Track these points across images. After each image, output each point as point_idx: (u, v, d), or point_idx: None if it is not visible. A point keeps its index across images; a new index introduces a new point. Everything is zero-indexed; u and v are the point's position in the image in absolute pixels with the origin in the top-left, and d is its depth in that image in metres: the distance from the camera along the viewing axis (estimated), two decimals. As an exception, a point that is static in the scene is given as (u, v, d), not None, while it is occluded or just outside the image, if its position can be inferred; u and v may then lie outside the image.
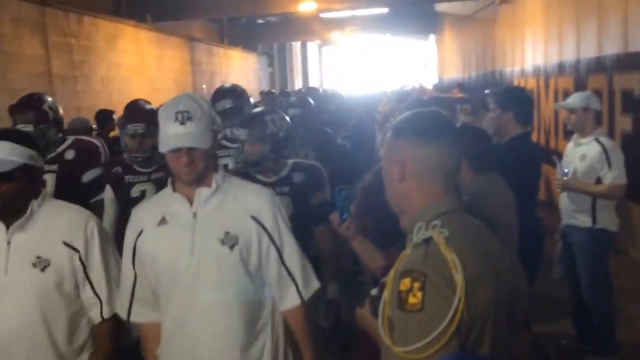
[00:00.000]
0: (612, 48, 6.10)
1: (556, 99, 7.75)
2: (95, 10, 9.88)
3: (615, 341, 3.81)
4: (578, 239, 3.78)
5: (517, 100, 3.40)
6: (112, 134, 6.26)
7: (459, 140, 1.51)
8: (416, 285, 1.31)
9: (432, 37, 23.10)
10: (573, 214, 3.80)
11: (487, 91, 3.53)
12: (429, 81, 21.20)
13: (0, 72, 7.00)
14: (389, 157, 1.52)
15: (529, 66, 9.37)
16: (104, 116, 6.34)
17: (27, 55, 7.59)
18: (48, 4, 8.08)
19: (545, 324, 4.36)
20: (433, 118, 1.51)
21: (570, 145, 3.95)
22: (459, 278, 1.31)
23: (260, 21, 20.66)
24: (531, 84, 9.15)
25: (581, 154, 3.72)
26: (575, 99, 3.80)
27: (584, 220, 3.73)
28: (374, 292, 1.63)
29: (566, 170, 3.76)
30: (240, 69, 18.68)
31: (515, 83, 9.88)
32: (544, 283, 4.08)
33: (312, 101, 5.16)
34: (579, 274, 3.81)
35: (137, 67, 11.01)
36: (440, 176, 1.47)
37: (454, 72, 17.56)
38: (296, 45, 27.72)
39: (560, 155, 4.13)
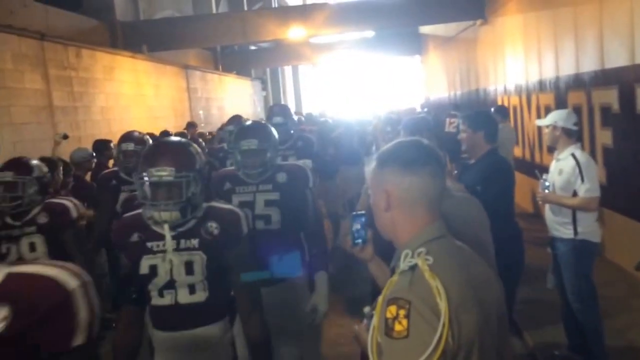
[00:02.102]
0: (589, 65, 6.16)
1: (538, 115, 7.79)
2: (93, 43, 9.93)
3: (604, 350, 3.79)
4: (562, 250, 3.83)
5: (486, 121, 3.65)
6: (111, 162, 6.26)
7: (442, 168, 1.52)
8: (402, 312, 1.32)
9: (417, 58, 23.29)
10: (556, 225, 3.86)
11: (452, 112, 3.79)
12: (417, 100, 21.33)
13: (3, 107, 7.00)
14: (375, 187, 1.53)
15: (511, 84, 9.44)
16: (101, 146, 6.38)
17: (29, 89, 7.61)
18: (47, 39, 8.12)
19: (539, 333, 4.35)
20: (416, 148, 1.52)
21: (553, 160, 4.05)
22: (442, 305, 1.31)
23: (253, 47, 20.81)
24: (514, 101, 9.22)
25: (559, 169, 3.83)
26: (547, 118, 3.97)
27: (566, 232, 3.79)
28: (367, 309, 1.63)
29: (547, 184, 3.87)
30: (235, 94, 18.76)
31: (499, 101, 9.94)
32: (539, 292, 4.08)
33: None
34: (565, 285, 3.85)
35: (135, 96, 11.04)
36: (424, 204, 1.47)
37: (440, 92, 17.68)
38: (288, 69, 27.90)
39: (542, 169, 4.22)
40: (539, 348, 4.20)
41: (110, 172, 4.49)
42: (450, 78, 15.86)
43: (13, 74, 7.29)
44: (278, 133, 3.28)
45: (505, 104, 9.43)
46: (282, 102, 25.60)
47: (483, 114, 3.72)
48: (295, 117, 8.77)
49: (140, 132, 4.55)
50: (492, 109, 7.91)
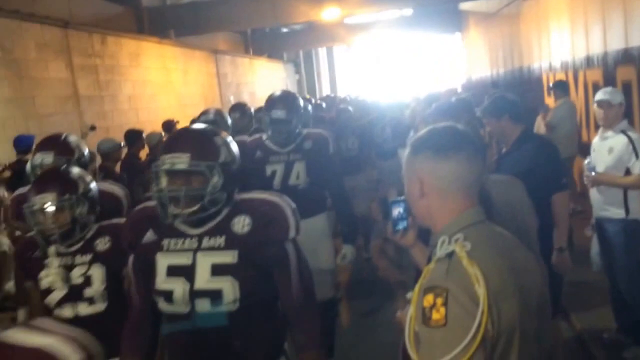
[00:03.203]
0: (639, 39, 5.96)
1: (585, 92, 7.64)
2: (119, 29, 10.08)
3: None
4: (611, 231, 3.84)
5: (507, 102, 3.53)
6: (142, 152, 6.35)
7: (478, 153, 1.52)
8: (439, 301, 1.33)
9: (458, 36, 22.92)
10: (605, 206, 3.86)
11: (491, 92, 3.67)
12: (457, 81, 21.01)
13: (27, 97, 7.17)
14: (409, 175, 1.56)
15: (556, 60, 9.22)
16: (133, 136, 6.44)
17: (53, 79, 7.77)
18: (71, 26, 8.25)
19: (587, 316, 4.40)
20: (450, 133, 1.53)
21: (596, 139, 4.05)
22: (481, 292, 1.32)
23: (285, 30, 20.80)
24: (559, 78, 8.99)
25: (609, 147, 3.81)
26: (599, 95, 3.95)
27: (616, 212, 3.80)
28: (409, 295, 1.62)
29: (593, 165, 3.88)
30: (267, 78, 18.81)
31: (544, 78, 9.73)
32: (587, 274, 4.11)
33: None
34: (615, 266, 3.88)
35: (163, 83, 11.17)
36: (460, 190, 1.49)
37: (482, 71, 17.37)
38: (322, 51, 27.82)
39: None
40: (587, 331, 4.24)
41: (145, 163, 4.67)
42: (492, 56, 15.56)
43: (37, 63, 7.45)
44: (278, 133, 3.68)
45: (551, 81, 9.20)
46: (317, 86, 25.59)
47: (499, 98, 3.60)
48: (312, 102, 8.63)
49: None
50: (551, 85, 7.73)
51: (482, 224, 1.49)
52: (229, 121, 4.61)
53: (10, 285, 3.38)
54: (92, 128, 6.82)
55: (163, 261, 2.00)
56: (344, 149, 6.28)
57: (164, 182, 1.96)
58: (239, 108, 5.78)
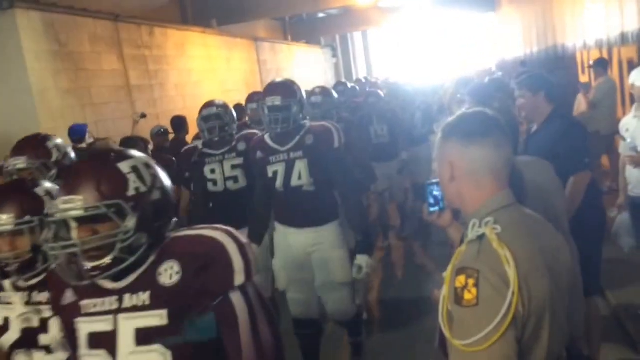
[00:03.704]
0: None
1: (620, 70, 7.38)
2: (165, 21, 10.21)
3: None
4: None
5: (545, 80, 3.41)
6: (188, 137, 6.48)
7: (507, 138, 1.52)
8: (470, 282, 1.35)
9: (491, 15, 22.36)
10: None
11: (512, 80, 3.55)
12: (491, 61, 20.57)
13: (83, 88, 7.38)
14: (440, 159, 1.56)
15: (590, 38, 8.93)
16: (178, 122, 6.56)
17: (106, 70, 7.97)
18: (121, 19, 8.42)
19: (623, 293, 4.31)
20: (478, 119, 1.53)
21: (629, 117, 3.91)
22: (511, 273, 1.33)
23: (321, 15, 20.68)
24: (594, 55, 8.73)
25: None
26: (634, 74, 3.81)
27: None
28: (444, 274, 1.62)
29: (635, 145, 3.71)
30: (305, 63, 18.78)
31: (578, 56, 9.45)
32: (621, 251, 4.05)
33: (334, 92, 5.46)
34: None
35: (207, 70, 11.31)
36: (490, 174, 1.48)
37: (516, 50, 16.95)
38: (358, 35, 27.57)
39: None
40: (623, 308, 4.16)
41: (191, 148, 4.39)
42: (526, 35, 15.15)
43: (91, 55, 7.64)
44: (275, 122, 3.21)
45: (585, 60, 8.95)
46: (353, 69, 25.42)
47: (539, 74, 3.49)
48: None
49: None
50: (592, 62, 7.50)
51: (512, 207, 1.48)
52: (234, 114, 4.02)
53: None
54: (143, 116, 6.96)
55: (83, 328, 1.53)
56: (373, 136, 5.98)
57: (55, 234, 1.47)
58: (256, 98, 5.44)
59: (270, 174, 3.27)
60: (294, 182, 3.23)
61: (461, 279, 1.36)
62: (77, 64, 7.33)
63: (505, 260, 1.34)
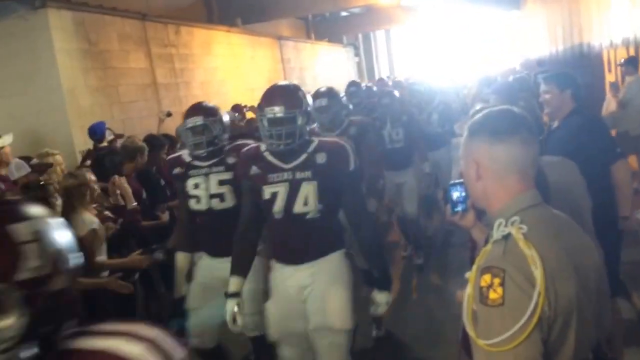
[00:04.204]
0: None
1: (648, 69, 7.22)
2: (191, 20, 10.30)
3: None
4: None
5: (573, 79, 3.39)
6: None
7: (534, 136, 1.49)
8: (496, 281, 1.32)
9: (515, 14, 22.08)
10: None
11: (540, 76, 3.49)
12: (515, 60, 20.32)
13: (112, 86, 7.48)
14: (465, 157, 1.54)
15: (617, 37, 8.77)
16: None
17: (134, 68, 8.06)
18: (148, 18, 8.51)
19: None
20: (505, 117, 1.50)
21: None
22: (538, 273, 1.30)
23: (344, 13, 20.65)
24: (621, 54, 8.56)
25: None
26: None
27: None
28: (468, 274, 1.59)
29: None
30: (328, 61, 18.78)
31: (604, 55, 9.28)
32: None
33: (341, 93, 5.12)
34: None
35: (231, 69, 11.37)
36: (516, 173, 1.46)
37: (540, 48, 16.72)
38: (380, 34, 27.48)
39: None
40: None
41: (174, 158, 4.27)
42: (551, 34, 14.94)
43: (119, 54, 7.74)
44: (278, 137, 2.59)
45: (611, 58, 8.78)
46: (375, 68, 25.32)
47: (568, 73, 3.46)
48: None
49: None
50: (622, 60, 7.34)
51: (538, 206, 1.46)
52: (227, 118, 3.34)
53: (102, 259, 3.60)
54: (169, 114, 7.03)
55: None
56: (387, 140, 5.45)
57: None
58: None
59: (267, 196, 2.63)
60: (298, 208, 2.61)
61: (487, 278, 1.34)
62: (105, 62, 7.43)
63: (531, 260, 1.32)
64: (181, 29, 9.50)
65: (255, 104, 7.84)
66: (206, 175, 3.16)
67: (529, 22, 19.51)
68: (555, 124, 3.35)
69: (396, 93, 5.97)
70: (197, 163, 3.19)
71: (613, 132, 6.83)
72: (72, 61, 6.78)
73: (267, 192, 2.63)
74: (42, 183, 3.50)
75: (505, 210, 1.45)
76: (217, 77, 10.62)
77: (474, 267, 1.42)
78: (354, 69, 22.29)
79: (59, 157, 4.66)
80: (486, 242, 1.50)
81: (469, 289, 1.41)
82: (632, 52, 8.03)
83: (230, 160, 3.12)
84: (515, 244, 1.36)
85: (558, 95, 3.34)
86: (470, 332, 1.37)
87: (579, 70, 7.47)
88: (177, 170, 3.23)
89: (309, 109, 2.70)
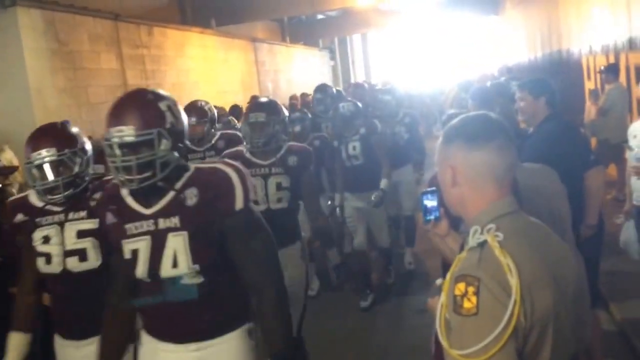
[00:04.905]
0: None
1: (627, 76, 7.38)
2: (164, 21, 10.23)
3: None
4: None
5: (547, 86, 3.43)
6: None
7: (511, 142, 1.48)
8: (470, 289, 1.31)
9: (493, 19, 22.42)
10: None
11: (514, 83, 3.57)
12: (493, 66, 20.62)
13: (81, 87, 7.40)
14: (441, 163, 1.52)
15: (596, 44, 8.96)
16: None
17: (104, 69, 7.98)
18: (121, 19, 8.44)
19: (627, 306, 4.22)
20: (482, 122, 1.50)
21: (638, 123, 3.94)
22: (514, 282, 1.29)
23: (321, 16, 20.72)
24: (600, 61, 8.75)
25: None
26: None
27: None
28: (439, 282, 1.61)
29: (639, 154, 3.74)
30: (303, 65, 18.82)
31: (584, 62, 9.47)
32: (624, 263, 3.97)
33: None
34: None
35: (205, 71, 11.32)
36: (492, 180, 1.45)
37: (519, 55, 16.99)
38: (357, 38, 27.62)
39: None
40: (628, 322, 4.07)
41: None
42: (530, 40, 15.20)
43: (90, 55, 7.66)
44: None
45: (590, 65, 8.96)
46: (351, 72, 25.42)
47: (542, 80, 3.50)
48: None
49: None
50: (602, 68, 7.48)
51: (515, 214, 1.45)
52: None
53: None
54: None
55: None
56: (344, 158, 4.92)
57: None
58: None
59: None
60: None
61: (461, 287, 1.32)
62: (75, 63, 7.34)
63: (507, 268, 1.31)
64: (154, 29, 9.43)
65: (227, 106, 7.78)
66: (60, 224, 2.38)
67: (507, 28, 19.82)
68: (531, 130, 3.40)
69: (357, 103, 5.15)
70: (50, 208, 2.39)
71: (593, 140, 6.97)
72: (41, 61, 6.70)
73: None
74: (0, 186, 3.41)
75: (481, 217, 1.44)
76: (189, 79, 10.57)
77: (448, 275, 1.41)
78: (330, 72, 22.36)
79: (7, 153, 4.67)
80: (461, 249, 1.50)
81: (442, 298, 1.40)
82: (611, 59, 8.21)
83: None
84: (491, 251, 1.35)
85: (532, 103, 3.37)
86: (443, 341, 1.36)
87: (557, 76, 7.63)
88: (19, 218, 2.41)
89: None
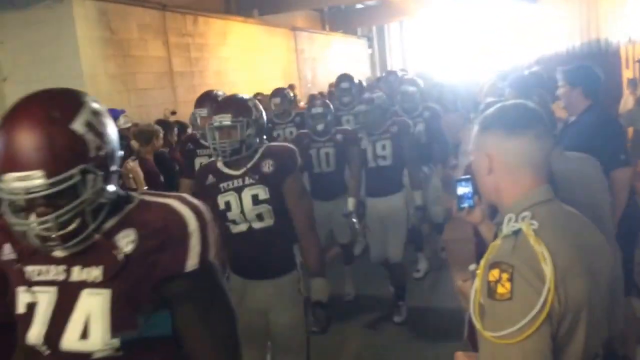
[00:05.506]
0: None
1: (666, 66, 7.15)
2: (209, 10, 10.31)
3: None
4: None
5: (585, 75, 3.34)
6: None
7: (548, 131, 1.46)
8: (504, 276, 1.30)
9: (531, 7, 21.82)
10: None
11: (559, 68, 3.48)
12: (530, 55, 20.11)
13: (130, 74, 7.55)
14: (477, 151, 1.50)
15: (635, 33, 8.67)
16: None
17: (152, 57, 8.12)
18: (168, 8, 8.56)
19: None
20: (520, 110, 1.47)
21: None
22: (548, 270, 1.28)
23: (359, 5, 20.54)
24: (639, 51, 8.47)
25: None
26: None
27: None
28: (472, 267, 1.62)
29: None
30: (342, 53, 18.71)
31: (622, 51, 9.19)
32: None
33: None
34: None
35: (246, 59, 11.38)
36: (529, 168, 1.43)
37: (556, 44, 16.54)
38: (394, 26, 27.30)
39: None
40: None
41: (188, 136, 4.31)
42: (567, 29, 14.77)
43: (138, 43, 7.81)
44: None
45: (629, 54, 8.69)
46: (388, 61, 25.18)
47: (583, 67, 3.39)
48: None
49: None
50: None
51: (550, 202, 1.42)
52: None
53: None
54: (173, 113, 7.17)
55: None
56: (370, 158, 4.41)
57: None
58: (280, 93, 5.56)
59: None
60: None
61: (495, 273, 1.31)
62: (125, 51, 7.50)
63: (542, 257, 1.29)
64: (199, 19, 9.53)
65: (269, 93, 7.79)
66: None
67: (544, 16, 19.29)
68: (573, 118, 3.32)
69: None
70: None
71: (630, 130, 6.78)
72: (94, 49, 6.87)
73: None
74: None
75: (516, 205, 1.42)
76: (231, 67, 10.65)
77: (482, 262, 1.39)
78: (367, 60, 22.19)
79: None
80: (495, 237, 1.48)
81: (476, 283, 1.39)
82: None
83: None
84: (526, 239, 1.33)
85: (569, 91, 3.32)
86: (477, 324, 1.35)
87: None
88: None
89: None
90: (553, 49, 17.03)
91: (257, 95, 8.04)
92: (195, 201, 1.38)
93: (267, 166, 2.57)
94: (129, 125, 5.84)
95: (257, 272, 2.63)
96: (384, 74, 10.15)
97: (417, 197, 4.36)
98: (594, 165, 2.26)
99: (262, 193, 2.56)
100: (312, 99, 6.52)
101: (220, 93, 3.80)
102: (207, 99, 3.70)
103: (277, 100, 5.51)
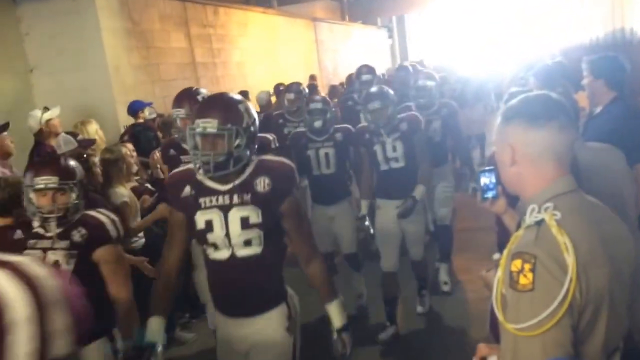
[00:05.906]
0: None
1: (693, 56, 6.96)
2: (229, 1, 10.32)
3: None
4: None
5: (609, 67, 3.28)
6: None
7: (571, 122, 1.45)
8: (527, 266, 1.30)
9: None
10: None
11: (585, 58, 3.42)
12: (553, 44, 19.78)
13: (153, 65, 7.59)
14: (500, 142, 1.50)
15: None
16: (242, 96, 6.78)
17: (174, 48, 8.15)
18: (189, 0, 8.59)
19: None
20: (543, 102, 1.46)
21: None
22: (570, 260, 1.28)
23: (380, -5, 20.41)
24: (664, 40, 8.26)
25: None
26: None
27: None
28: (496, 256, 1.62)
29: None
30: (362, 43, 18.60)
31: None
32: None
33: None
34: None
35: (267, 50, 11.38)
36: (552, 159, 1.42)
37: (579, 34, 16.24)
38: (414, 17, 27.04)
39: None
40: None
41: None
42: (589, 17, 14.49)
43: (160, 34, 7.84)
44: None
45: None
46: (408, 51, 24.96)
47: (607, 58, 3.33)
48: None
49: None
50: None
51: (573, 193, 1.42)
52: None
53: (135, 224, 3.77)
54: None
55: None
56: (381, 159, 4.12)
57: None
58: (294, 89, 5.41)
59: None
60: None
61: (517, 263, 1.31)
62: (148, 42, 7.54)
63: (564, 247, 1.29)
64: (219, 10, 9.54)
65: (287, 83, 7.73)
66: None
67: (568, 5, 18.93)
68: (598, 109, 3.27)
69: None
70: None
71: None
72: (117, 40, 6.91)
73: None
74: (84, 155, 3.60)
75: (539, 196, 1.42)
76: (253, 58, 10.66)
77: (505, 252, 1.40)
78: (387, 51, 22.04)
79: (91, 127, 4.91)
80: (518, 227, 1.48)
81: (499, 273, 1.39)
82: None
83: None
84: (548, 230, 1.33)
85: (592, 82, 3.28)
86: (499, 315, 1.35)
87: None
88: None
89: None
90: (576, 40, 16.73)
91: (279, 85, 8.05)
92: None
93: (262, 185, 2.16)
94: (154, 116, 5.90)
95: (238, 309, 2.24)
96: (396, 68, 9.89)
97: (417, 191, 3.92)
98: (618, 157, 2.23)
99: (254, 216, 2.14)
100: (332, 89, 6.42)
101: (202, 91, 3.40)
102: (186, 97, 3.32)
103: (292, 96, 5.34)
